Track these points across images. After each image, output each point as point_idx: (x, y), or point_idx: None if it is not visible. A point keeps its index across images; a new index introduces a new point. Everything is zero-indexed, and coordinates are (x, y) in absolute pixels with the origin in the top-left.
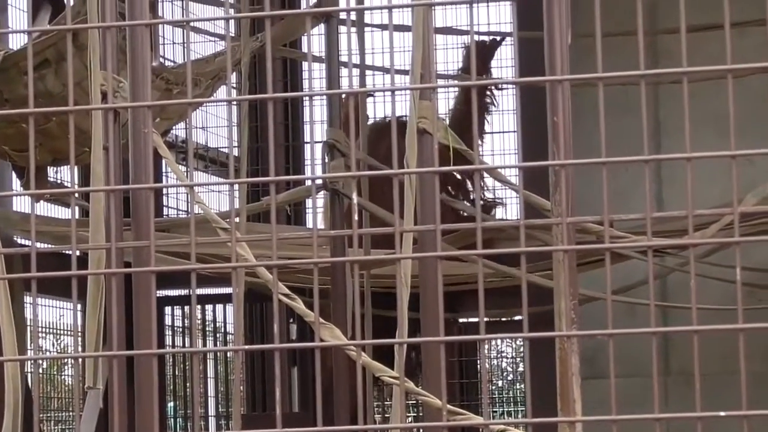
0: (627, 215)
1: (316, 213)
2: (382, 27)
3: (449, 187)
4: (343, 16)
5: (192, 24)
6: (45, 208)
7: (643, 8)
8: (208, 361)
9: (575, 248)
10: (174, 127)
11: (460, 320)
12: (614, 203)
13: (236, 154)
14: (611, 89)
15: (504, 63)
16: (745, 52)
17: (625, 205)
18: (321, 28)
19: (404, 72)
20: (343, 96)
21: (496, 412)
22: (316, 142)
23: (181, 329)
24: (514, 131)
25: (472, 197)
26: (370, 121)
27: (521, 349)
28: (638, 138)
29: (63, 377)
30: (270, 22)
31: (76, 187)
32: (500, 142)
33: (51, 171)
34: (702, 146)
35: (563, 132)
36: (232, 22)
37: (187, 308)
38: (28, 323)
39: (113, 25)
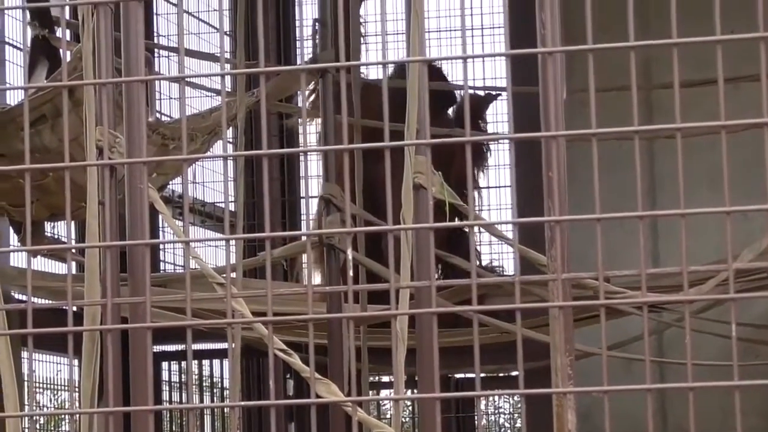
0: (621, 271)
1: (312, 268)
2: (377, 82)
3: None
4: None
5: (188, 79)
6: (42, 263)
7: (637, 64)
8: (204, 416)
9: (570, 304)
10: (171, 182)
11: (457, 376)
12: (610, 258)
13: (232, 209)
14: (606, 144)
15: (499, 117)
16: (739, 108)
17: (621, 260)
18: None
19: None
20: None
21: None
22: (312, 197)
23: (177, 384)
24: (509, 186)
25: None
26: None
27: (518, 405)
28: (633, 192)
29: None
30: (265, 78)
31: (73, 242)
32: (496, 197)
33: (48, 226)
34: (697, 201)
35: (558, 187)
36: (228, 78)
37: (183, 363)
38: (25, 378)
39: (109, 81)
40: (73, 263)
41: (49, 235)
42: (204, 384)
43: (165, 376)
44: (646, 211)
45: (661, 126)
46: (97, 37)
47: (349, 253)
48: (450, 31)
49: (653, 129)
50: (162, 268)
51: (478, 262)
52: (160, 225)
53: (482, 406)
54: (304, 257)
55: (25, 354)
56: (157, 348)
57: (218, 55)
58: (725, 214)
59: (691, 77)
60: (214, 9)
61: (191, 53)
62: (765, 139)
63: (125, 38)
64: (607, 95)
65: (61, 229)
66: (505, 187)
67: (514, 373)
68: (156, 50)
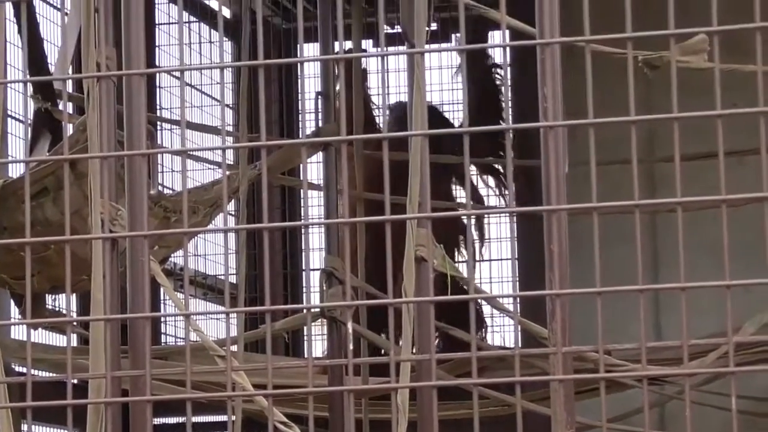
0: (622, 345)
1: (312, 341)
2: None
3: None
4: None
5: (190, 152)
6: (43, 336)
7: (640, 137)
8: None
9: (570, 378)
10: (173, 255)
11: None
12: (613, 330)
13: (235, 282)
14: (608, 217)
15: (502, 190)
16: (743, 181)
17: (624, 332)
18: (319, 156)
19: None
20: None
21: None
22: (314, 270)
23: None
24: (509, 259)
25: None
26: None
27: None
28: (636, 266)
29: None
30: (267, 151)
31: (73, 315)
32: (498, 270)
33: (49, 299)
34: (699, 275)
35: (559, 260)
36: (230, 151)
37: None
38: None
39: (111, 155)
40: (76, 336)
41: (50, 307)
42: None
43: None
44: (647, 284)
45: (661, 200)
46: (100, 110)
47: (350, 326)
48: (452, 104)
49: (654, 203)
50: (163, 340)
51: (481, 334)
52: (162, 297)
53: None
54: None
55: (25, 427)
56: (158, 420)
57: (221, 128)
58: (725, 288)
59: (694, 150)
60: (217, 82)
61: (193, 126)
62: (766, 213)
63: (127, 111)
64: (610, 168)
65: (62, 302)
66: (506, 259)
67: None
68: (159, 123)
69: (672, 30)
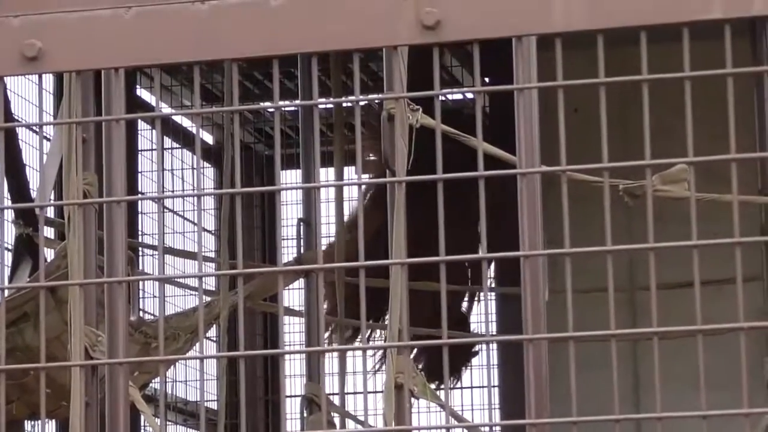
0: None
1: None
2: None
3: None
4: None
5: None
6: None
7: (620, 265)
8: None
9: None
10: (153, 380)
11: None
12: None
13: (215, 408)
14: (589, 345)
15: (481, 318)
16: (726, 309)
17: None
18: (301, 282)
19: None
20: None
21: None
22: (294, 396)
23: None
24: (487, 386)
25: None
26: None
27: None
28: (618, 393)
29: None
30: (243, 280)
31: None
32: (480, 397)
33: (28, 425)
34: (681, 403)
35: (537, 389)
36: (212, 277)
37: None
38: None
39: (89, 282)
40: None
41: None
42: None
43: None
44: (625, 412)
45: (637, 330)
46: (80, 237)
47: None
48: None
49: (630, 333)
50: None
51: None
52: (142, 423)
53: None
54: None
55: None
56: None
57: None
58: (701, 419)
59: (674, 279)
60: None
61: (175, 252)
62: (741, 344)
63: (108, 238)
64: (590, 296)
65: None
66: (482, 387)
67: None
68: (140, 249)
69: (648, 161)
